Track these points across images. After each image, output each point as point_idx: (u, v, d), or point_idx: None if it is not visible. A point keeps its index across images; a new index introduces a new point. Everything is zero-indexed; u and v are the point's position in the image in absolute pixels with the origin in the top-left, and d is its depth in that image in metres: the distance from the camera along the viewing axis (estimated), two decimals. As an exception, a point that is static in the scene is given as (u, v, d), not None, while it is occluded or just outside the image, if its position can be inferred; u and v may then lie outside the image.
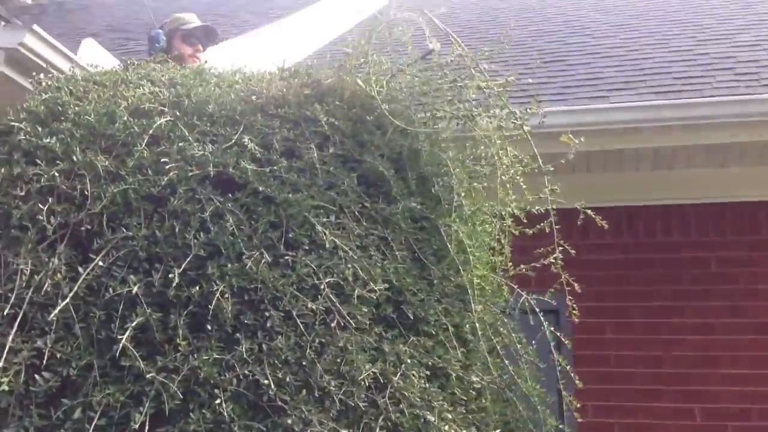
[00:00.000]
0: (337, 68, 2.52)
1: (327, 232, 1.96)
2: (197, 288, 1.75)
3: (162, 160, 1.97)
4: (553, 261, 2.38)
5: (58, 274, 1.73)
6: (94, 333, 1.68)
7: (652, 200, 3.91)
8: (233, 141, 2.12)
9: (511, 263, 2.51)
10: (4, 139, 2.05)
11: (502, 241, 2.36)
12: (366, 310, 1.89)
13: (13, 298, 1.70)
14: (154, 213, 1.90)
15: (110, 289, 1.71)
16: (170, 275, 1.73)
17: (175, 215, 1.89)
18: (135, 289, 1.72)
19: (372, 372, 1.80)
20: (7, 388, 1.59)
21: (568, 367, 2.32)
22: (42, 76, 2.43)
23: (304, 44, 7.14)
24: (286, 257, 1.89)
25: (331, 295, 1.85)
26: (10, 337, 1.64)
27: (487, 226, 2.43)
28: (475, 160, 2.38)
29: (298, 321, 1.78)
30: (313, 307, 1.82)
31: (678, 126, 3.47)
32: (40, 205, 1.83)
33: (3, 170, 1.92)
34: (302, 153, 2.16)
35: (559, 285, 2.57)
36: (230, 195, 1.97)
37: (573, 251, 2.38)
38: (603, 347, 3.79)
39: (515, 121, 2.30)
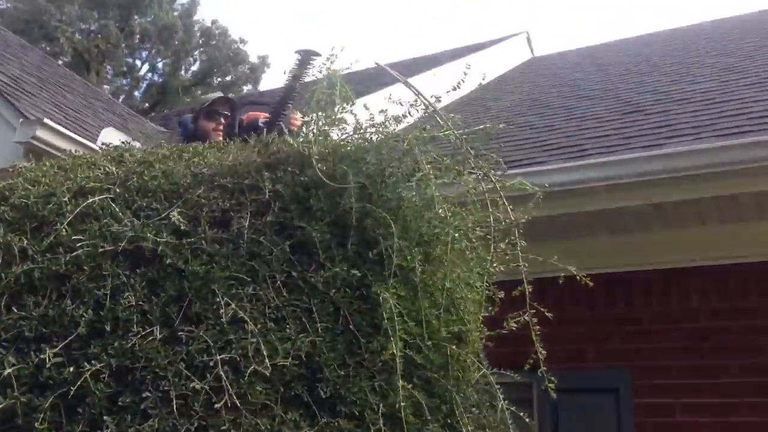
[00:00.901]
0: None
1: (233, 304, 1.83)
2: (72, 369, 1.67)
3: (74, 237, 1.95)
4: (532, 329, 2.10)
5: (-56, 357, 1.72)
6: (-35, 417, 1.64)
7: (719, 259, 3.40)
8: (164, 215, 2.07)
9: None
10: (-51, 226, 2.12)
11: (460, 310, 2.10)
12: (261, 388, 1.72)
13: None
14: (56, 291, 1.86)
15: (-15, 371, 1.67)
16: (42, 356, 1.66)
17: (76, 293, 1.85)
18: (8, 371, 1.66)
19: (256, 459, 1.61)
20: None
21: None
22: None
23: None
24: (180, 333, 1.77)
25: (222, 373, 1.71)
26: None
27: (460, 293, 2.19)
28: (436, 223, 2.17)
29: (174, 402, 1.64)
30: (197, 386, 1.68)
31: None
32: (-56, 288, 1.85)
33: (-72, 256, 1.97)
34: (234, 223, 2.07)
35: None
36: (138, 270, 1.90)
37: (550, 315, 2.09)
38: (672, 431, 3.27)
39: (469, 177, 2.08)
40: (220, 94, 3.61)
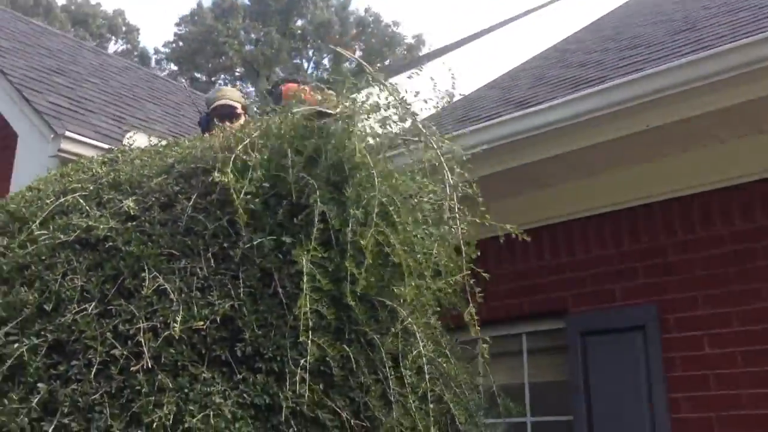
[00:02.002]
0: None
1: (160, 278, 2.00)
2: (16, 345, 1.91)
3: (38, 233, 2.20)
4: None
5: None
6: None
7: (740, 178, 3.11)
8: (122, 204, 2.29)
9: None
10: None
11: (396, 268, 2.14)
12: (175, 350, 1.88)
13: None
14: (18, 280, 2.11)
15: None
16: (-5, 336, 1.92)
17: (33, 280, 2.09)
18: (-36, 350, 1.93)
19: (164, 414, 1.77)
20: None
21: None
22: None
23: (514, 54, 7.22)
24: (111, 307, 1.97)
25: (142, 339, 1.88)
26: None
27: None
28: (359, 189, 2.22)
29: (94, 368, 1.84)
30: (117, 353, 1.86)
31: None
32: None
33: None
34: (178, 204, 2.24)
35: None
36: (86, 255, 2.12)
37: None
38: (700, 365, 3.05)
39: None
40: (223, 99, 3.71)
